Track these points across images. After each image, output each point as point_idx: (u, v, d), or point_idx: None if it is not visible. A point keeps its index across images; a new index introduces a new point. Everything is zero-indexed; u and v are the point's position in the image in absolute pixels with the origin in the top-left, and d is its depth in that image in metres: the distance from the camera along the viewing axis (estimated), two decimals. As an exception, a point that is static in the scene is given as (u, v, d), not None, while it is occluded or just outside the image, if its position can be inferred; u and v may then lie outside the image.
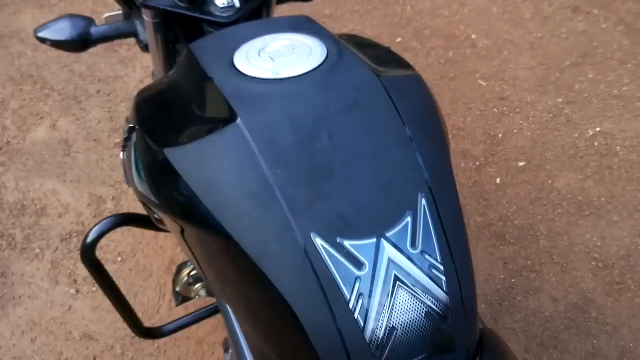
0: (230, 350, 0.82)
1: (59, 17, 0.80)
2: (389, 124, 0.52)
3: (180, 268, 1.02)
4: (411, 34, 2.18)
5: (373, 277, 0.47)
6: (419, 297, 0.48)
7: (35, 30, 0.80)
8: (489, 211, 1.64)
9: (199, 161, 0.50)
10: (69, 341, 1.38)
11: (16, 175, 1.72)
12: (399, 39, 2.16)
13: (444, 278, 0.49)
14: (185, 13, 0.70)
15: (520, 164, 1.75)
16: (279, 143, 0.48)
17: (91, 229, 0.76)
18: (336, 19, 2.24)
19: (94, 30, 0.80)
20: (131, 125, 0.61)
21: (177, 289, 1.01)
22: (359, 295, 0.46)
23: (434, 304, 0.48)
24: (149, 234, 1.57)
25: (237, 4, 0.69)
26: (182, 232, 0.57)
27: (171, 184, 0.52)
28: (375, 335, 0.47)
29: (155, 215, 0.71)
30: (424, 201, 0.49)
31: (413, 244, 0.48)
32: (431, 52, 2.11)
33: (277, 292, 0.47)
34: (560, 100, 1.92)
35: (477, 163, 1.76)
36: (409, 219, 0.49)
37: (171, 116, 0.57)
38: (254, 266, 0.47)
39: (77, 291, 1.47)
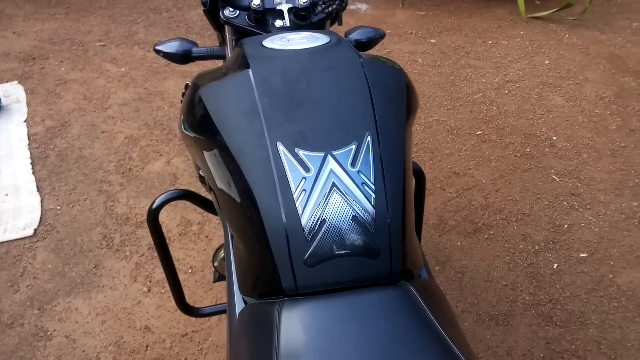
0: (222, 254, 1.03)
1: (174, 38, 1.11)
2: (356, 84, 0.70)
3: (219, 248, 1.20)
4: (492, 129, 2.32)
5: (316, 180, 0.62)
6: (349, 203, 0.62)
7: (155, 45, 1.11)
8: (540, 292, 1.63)
9: (216, 93, 0.72)
10: (131, 329, 1.58)
11: (129, 194, 2.06)
12: (479, 132, 2.31)
13: (373, 195, 0.63)
14: (254, 31, 0.96)
15: (582, 255, 1.74)
16: (271, 83, 0.69)
17: (157, 198, 0.98)
18: (424, 110, 2.46)
19: (195, 50, 1.10)
20: (187, 83, 0.86)
21: (216, 264, 1.19)
22: (303, 190, 0.62)
23: (361, 212, 0.62)
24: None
25: (289, 25, 0.94)
26: (203, 157, 0.77)
27: (199, 110, 0.74)
28: (310, 222, 0.61)
29: (200, 172, 0.92)
30: (369, 138, 0.65)
31: (353, 164, 0.64)
32: (509, 147, 2.22)
33: (246, 182, 0.65)
34: (636, 204, 1.90)
35: (537, 247, 1.78)
36: (354, 146, 0.65)
37: (211, 74, 0.80)
38: (235, 162, 0.66)
39: (149, 290, 1.69)
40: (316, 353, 0.55)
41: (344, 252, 0.62)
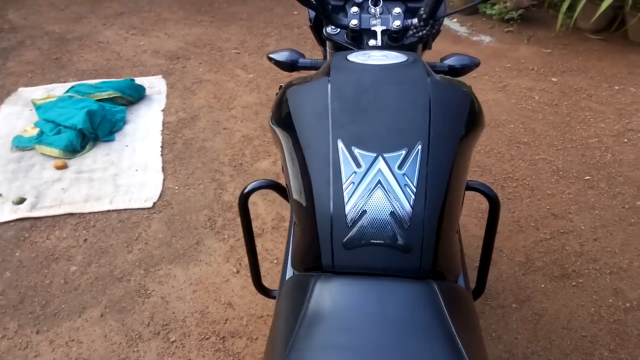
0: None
1: (285, 48, 1.26)
2: (418, 99, 0.78)
3: None
4: (603, 176, 2.22)
5: (364, 175, 0.72)
6: (389, 199, 0.70)
7: (268, 53, 1.27)
8: (621, 351, 1.54)
9: (297, 93, 0.85)
10: (216, 302, 1.76)
11: (236, 185, 2.28)
12: (587, 177, 2.22)
13: (413, 197, 0.71)
14: (349, 47, 1.07)
15: (680, 321, 1.61)
16: (343, 90, 0.80)
17: (248, 184, 1.13)
18: (531, 147, 2.42)
19: (301, 60, 1.23)
20: (281, 85, 0.99)
21: None
22: (351, 182, 0.72)
23: (399, 209, 0.70)
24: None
25: (381, 45, 1.04)
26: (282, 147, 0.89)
27: (284, 107, 0.87)
28: (352, 211, 0.71)
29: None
30: (419, 147, 0.73)
31: (400, 167, 0.72)
32: (618, 196, 2.10)
33: (307, 171, 0.76)
34: None
35: (628, 305, 1.68)
36: (404, 152, 0.73)
37: (300, 79, 0.92)
38: (302, 153, 0.78)
39: (238, 272, 1.86)
40: (334, 319, 0.65)
41: (378, 241, 0.70)
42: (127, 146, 2.52)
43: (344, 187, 0.72)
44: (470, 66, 1.20)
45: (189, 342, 1.63)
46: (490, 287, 1.77)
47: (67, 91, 2.73)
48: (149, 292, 1.79)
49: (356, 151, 0.74)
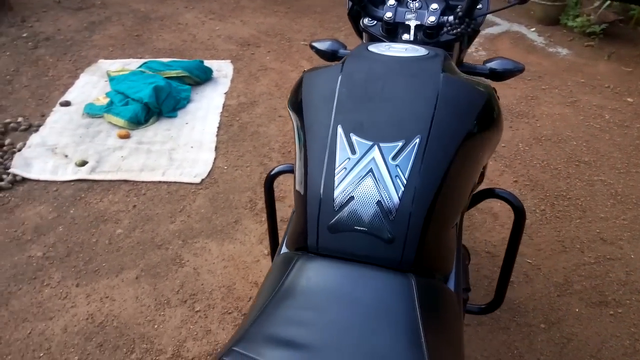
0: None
1: (328, 38, 1.28)
2: (426, 93, 0.77)
3: None
4: (665, 206, 2.07)
5: (357, 162, 0.73)
6: (378, 189, 0.71)
7: (311, 42, 1.29)
8: (651, 389, 1.44)
9: (311, 78, 0.86)
10: (244, 280, 1.82)
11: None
12: (647, 205, 2.07)
13: (402, 189, 0.70)
14: (383, 39, 1.07)
15: None
16: (353, 78, 0.81)
17: (274, 167, 1.17)
18: (591, 167, 2.29)
19: (341, 51, 1.25)
20: (304, 70, 1.02)
21: None
22: (343, 168, 0.73)
23: (387, 199, 0.70)
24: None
25: (412, 40, 1.03)
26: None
27: (298, 90, 0.89)
28: (341, 195, 0.72)
29: None
30: (417, 141, 0.73)
31: (394, 159, 0.72)
32: (678, 229, 1.95)
33: (306, 153, 0.77)
34: None
35: (668, 343, 1.56)
36: (400, 144, 0.73)
37: (320, 66, 0.93)
38: (305, 136, 0.79)
39: (269, 254, 1.91)
40: (303, 296, 0.66)
41: (362, 228, 0.71)
42: (187, 124, 2.65)
43: (336, 171, 0.74)
44: (513, 71, 1.16)
45: (212, 313, 1.70)
46: (520, 304, 1.71)
47: (140, 66, 2.90)
48: (183, 262, 1.88)
49: (354, 138, 0.75)
